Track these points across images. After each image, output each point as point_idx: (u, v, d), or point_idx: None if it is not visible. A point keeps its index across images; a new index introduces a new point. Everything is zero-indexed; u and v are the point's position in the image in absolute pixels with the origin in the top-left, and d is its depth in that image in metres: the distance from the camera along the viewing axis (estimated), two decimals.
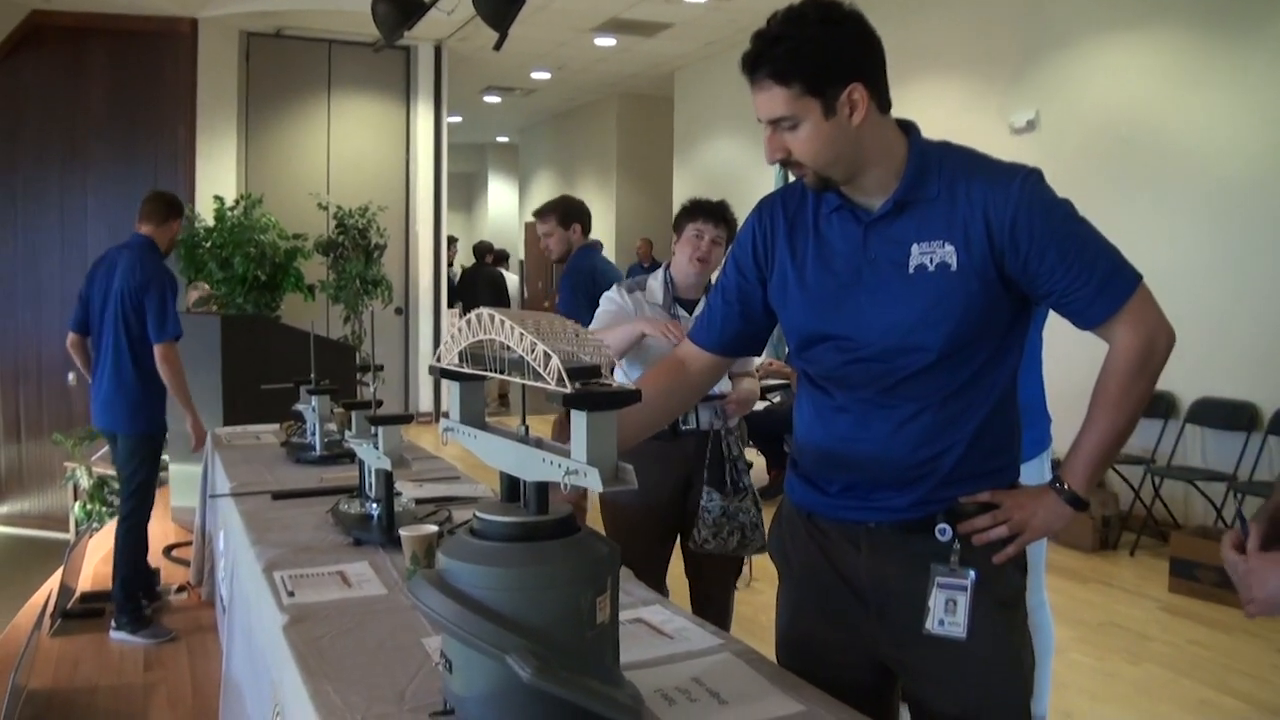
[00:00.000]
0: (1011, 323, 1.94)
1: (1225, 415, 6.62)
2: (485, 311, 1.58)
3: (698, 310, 3.31)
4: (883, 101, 1.88)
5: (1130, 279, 1.87)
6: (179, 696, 4.19)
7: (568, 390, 1.44)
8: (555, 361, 1.44)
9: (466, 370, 1.68)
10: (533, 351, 1.48)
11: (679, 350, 2.27)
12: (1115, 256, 1.87)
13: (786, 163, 1.90)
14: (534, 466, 1.57)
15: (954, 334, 1.87)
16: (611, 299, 3.69)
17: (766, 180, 9.77)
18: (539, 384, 1.48)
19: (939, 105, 8.43)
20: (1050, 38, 7.88)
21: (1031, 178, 1.86)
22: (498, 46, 5.78)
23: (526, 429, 1.65)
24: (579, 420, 1.47)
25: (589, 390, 1.47)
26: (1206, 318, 6.44)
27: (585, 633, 1.52)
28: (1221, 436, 6.65)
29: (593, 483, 1.46)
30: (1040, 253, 1.82)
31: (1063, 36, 7.77)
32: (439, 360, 1.73)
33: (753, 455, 3.77)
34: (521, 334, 1.50)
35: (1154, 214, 6.94)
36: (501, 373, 1.59)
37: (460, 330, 1.65)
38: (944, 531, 1.92)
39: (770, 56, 1.81)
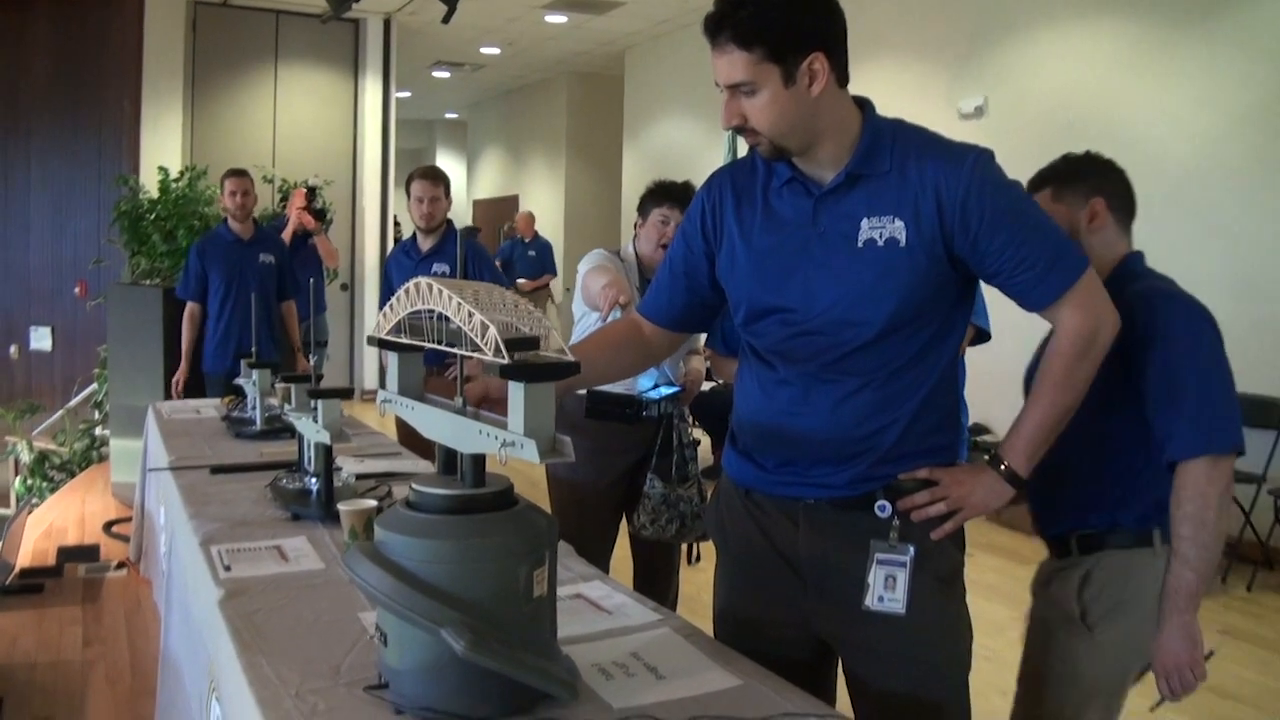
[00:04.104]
0: (955, 302, 1.95)
1: None
2: (423, 281, 1.56)
3: None
4: (842, 75, 1.88)
5: (1078, 263, 1.89)
6: (118, 673, 4.13)
7: (505, 361, 1.42)
8: (493, 332, 1.43)
9: (404, 341, 1.66)
10: (470, 321, 1.46)
11: (634, 315, 2.28)
12: (1063, 240, 1.90)
13: (741, 129, 1.89)
14: (470, 438, 1.55)
15: (898, 309, 1.87)
16: (606, 256, 3.61)
17: (716, 160, 9.75)
18: (476, 355, 1.47)
19: (887, 89, 8.42)
20: (998, 24, 7.91)
21: (983, 158, 1.87)
22: (446, 20, 5.74)
23: (464, 400, 1.64)
24: (516, 391, 1.46)
25: (526, 361, 1.45)
26: None
27: (522, 606, 1.52)
28: None
29: (529, 454, 1.45)
30: (990, 232, 1.83)
31: (1011, 23, 7.81)
32: (377, 331, 1.70)
33: (698, 434, 3.76)
34: (459, 304, 1.48)
35: None
36: (440, 343, 1.58)
37: (398, 300, 1.63)
38: (883, 508, 1.92)
39: (734, 19, 1.80)
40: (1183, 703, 4.15)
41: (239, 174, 6.43)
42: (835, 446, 1.94)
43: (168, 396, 5.99)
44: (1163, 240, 6.61)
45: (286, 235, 7.29)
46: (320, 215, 7.92)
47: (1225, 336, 2.16)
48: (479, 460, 1.57)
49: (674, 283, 2.16)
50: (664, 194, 3.56)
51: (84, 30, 10.34)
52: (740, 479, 2.10)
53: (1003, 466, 1.95)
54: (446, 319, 1.54)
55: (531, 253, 13.12)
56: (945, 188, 1.84)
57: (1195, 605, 2.10)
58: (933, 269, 1.87)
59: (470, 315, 1.46)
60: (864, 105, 1.96)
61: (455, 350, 1.54)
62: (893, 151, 1.89)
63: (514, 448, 1.47)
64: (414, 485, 1.58)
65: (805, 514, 1.99)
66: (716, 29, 1.83)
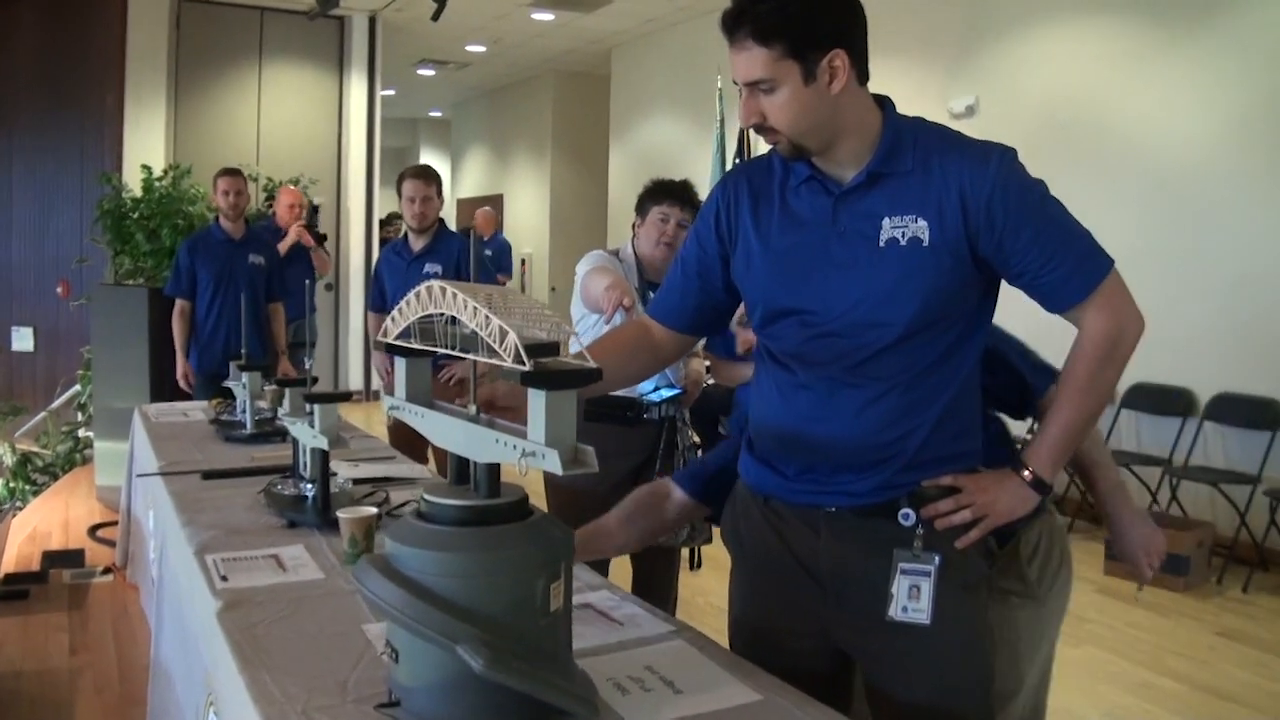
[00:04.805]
0: (979, 304, 1.90)
1: (1160, 401, 6.65)
2: (436, 284, 1.51)
3: None
4: (862, 72, 1.85)
5: (1104, 264, 1.85)
6: (105, 681, 4.07)
7: (525, 368, 1.37)
8: (512, 337, 1.37)
9: (415, 345, 1.61)
10: (487, 326, 1.41)
11: (644, 318, 2.22)
12: (1089, 240, 1.85)
13: (760, 128, 1.85)
14: (485, 447, 1.50)
15: (921, 311, 1.82)
16: (605, 257, 3.55)
17: (703, 159, 9.72)
18: (494, 361, 1.41)
19: (879, 89, 8.37)
20: (990, 23, 7.88)
21: (1008, 156, 1.83)
22: (436, 17, 5.69)
23: (478, 408, 1.58)
24: (537, 399, 1.40)
25: (548, 368, 1.40)
26: (1145, 304, 6.41)
27: (538, 621, 1.47)
28: (1157, 421, 6.68)
29: (551, 464, 1.40)
30: (1015, 231, 1.79)
31: (1003, 22, 7.78)
32: (385, 334, 1.65)
33: (696, 437, 3.72)
34: (475, 308, 1.43)
35: (1093, 200, 6.93)
36: (453, 349, 1.52)
37: (409, 304, 1.57)
38: (907, 516, 1.87)
39: (753, 15, 1.76)
40: (1179, 703, 4.14)
41: (233, 173, 6.43)
42: (858, 453, 1.89)
43: (155, 399, 5.91)
44: (1157, 240, 6.63)
45: (283, 248, 7.30)
46: (320, 239, 7.99)
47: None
48: (493, 470, 1.52)
49: (686, 284, 2.10)
50: (663, 192, 3.51)
51: (67, 26, 10.24)
52: (759, 486, 2.04)
53: (1027, 473, 1.90)
54: (458, 323, 1.48)
55: (488, 252, 12.95)
56: (970, 186, 1.79)
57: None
58: (957, 269, 1.82)
59: (487, 320, 1.40)
60: (884, 103, 1.92)
61: (469, 356, 1.49)
62: (915, 150, 1.85)
63: (535, 458, 1.41)
64: (426, 495, 1.52)
65: (827, 522, 1.93)
66: (735, 25, 1.79)
